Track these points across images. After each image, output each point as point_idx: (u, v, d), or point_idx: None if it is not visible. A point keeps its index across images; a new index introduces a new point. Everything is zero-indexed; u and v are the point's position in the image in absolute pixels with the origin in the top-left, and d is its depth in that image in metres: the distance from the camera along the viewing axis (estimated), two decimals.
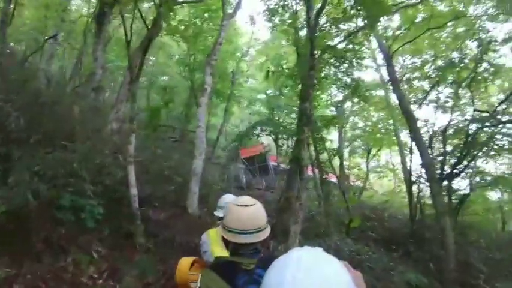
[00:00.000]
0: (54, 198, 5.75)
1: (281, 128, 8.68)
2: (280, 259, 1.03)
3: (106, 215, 6.41)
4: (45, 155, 6.05)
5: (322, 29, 8.52)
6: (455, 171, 10.95)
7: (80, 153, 6.59)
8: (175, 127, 18.64)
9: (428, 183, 10.35)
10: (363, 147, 19.24)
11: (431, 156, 10.71)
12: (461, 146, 11.05)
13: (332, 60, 8.82)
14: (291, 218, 6.98)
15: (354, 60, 8.85)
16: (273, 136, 17.75)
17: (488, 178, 12.14)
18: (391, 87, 11.23)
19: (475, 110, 11.01)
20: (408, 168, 13.80)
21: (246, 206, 1.79)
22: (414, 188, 13.19)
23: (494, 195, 15.75)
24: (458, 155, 10.97)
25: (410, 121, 10.57)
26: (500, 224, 14.46)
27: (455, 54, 12.68)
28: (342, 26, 8.65)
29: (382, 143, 18.47)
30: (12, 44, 14.97)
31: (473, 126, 10.93)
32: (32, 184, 5.24)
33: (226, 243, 1.80)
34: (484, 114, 10.82)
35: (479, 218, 13.40)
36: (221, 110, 20.56)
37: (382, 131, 17.80)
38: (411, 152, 13.62)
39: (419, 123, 12.74)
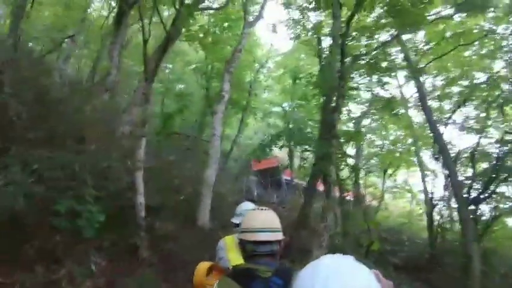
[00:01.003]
0: (51, 202, 5.14)
1: (307, 140, 8.00)
2: (312, 265, 1.00)
3: (108, 224, 5.77)
4: (46, 154, 5.46)
5: (352, 37, 7.90)
6: (482, 195, 10.10)
7: (86, 155, 6.01)
8: (188, 135, 18.07)
9: (456, 207, 9.49)
10: (379, 166, 18.33)
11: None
12: (489, 169, 10.20)
13: (363, 70, 8.15)
14: (315, 240, 6.23)
15: (386, 71, 8.14)
16: (287, 150, 17.07)
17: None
18: (420, 105, 10.48)
19: (506, 132, 10.17)
20: (430, 190, 12.97)
21: (262, 209, 1.92)
22: (435, 211, 12.37)
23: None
24: (486, 178, 10.13)
25: (439, 140, 9.79)
26: None
27: (479, 74, 11.98)
28: (372, 35, 8.00)
29: (400, 163, 17.56)
30: (30, 43, 14.74)
31: (503, 149, 10.14)
32: (25, 185, 4.62)
33: (243, 248, 1.81)
34: None
35: (498, 244, 12.40)
36: (236, 120, 19.95)
37: (400, 150, 16.94)
38: (435, 174, 12.81)
39: None
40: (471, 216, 9.45)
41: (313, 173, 9.77)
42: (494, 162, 9.89)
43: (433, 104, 12.93)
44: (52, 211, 5.09)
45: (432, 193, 12.58)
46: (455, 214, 13.74)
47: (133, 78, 18.02)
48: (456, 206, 12.25)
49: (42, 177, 5.12)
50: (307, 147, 8.99)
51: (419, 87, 10.57)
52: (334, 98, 6.69)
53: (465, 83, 12.10)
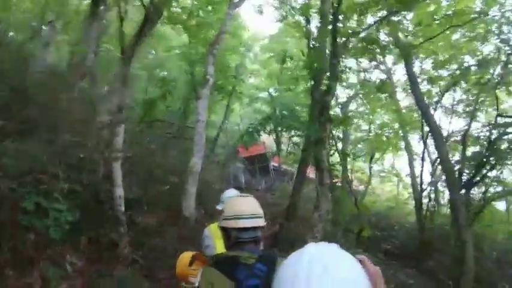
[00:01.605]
0: (22, 199, 4.57)
1: (299, 124, 7.49)
2: (295, 253, 0.98)
3: (84, 220, 5.24)
4: (14, 145, 4.87)
5: (343, 15, 7.36)
6: (473, 180, 9.83)
7: (59, 145, 5.42)
8: (172, 122, 17.38)
9: (443, 192, 9.23)
10: (366, 150, 18.05)
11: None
12: (481, 153, 9.92)
13: (353, 51, 7.65)
14: (308, 230, 5.82)
15: (381, 50, 7.65)
16: (274, 136, 16.60)
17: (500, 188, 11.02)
18: (410, 87, 10.07)
19: (498, 115, 9.88)
20: (417, 174, 12.74)
21: (244, 196, 1.93)
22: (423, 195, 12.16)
23: (501, 205, 14.63)
24: (477, 162, 9.86)
25: (430, 123, 9.43)
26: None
27: (467, 58, 11.63)
28: (363, 13, 7.46)
29: (387, 147, 17.32)
30: (12, 33, 13.94)
31: (493, 132, 9.87)
32: None
33: (227, 235, 1.78)
34: (509, 120, 9.71)
35: (487, 229, 12.28)
36: (221, 106, 19.29)
37: (387, 134, 16.67)
38: (423, 158, 12.53)
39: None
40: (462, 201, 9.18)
41: (302, 159, 9.34)
42: (486, 145, 9.59)
43: (421, 87, 12.60)
44: (21, 208, 4.53)
45: (421, 177, 12.32)
46: (443, 198, 13.72)
47: (115, 65, 17.14)
48: (446, 190, 12.19)
49: (8, 170, 4.54)
50: (297, 132, 8.51)
51: (409, 69, 10.14)
52: (326, 80, 6.22)
53: (454, 66, 11.78)
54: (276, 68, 17.98)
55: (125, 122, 5.86)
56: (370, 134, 17.32)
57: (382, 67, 15.58)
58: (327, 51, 8.03)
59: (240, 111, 23.03)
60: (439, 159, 10.27)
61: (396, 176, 18.55)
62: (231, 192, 3.43)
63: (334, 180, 9.28)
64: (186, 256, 2.04)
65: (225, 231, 1.80)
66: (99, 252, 5.32)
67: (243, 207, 1.79)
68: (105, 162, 5.70)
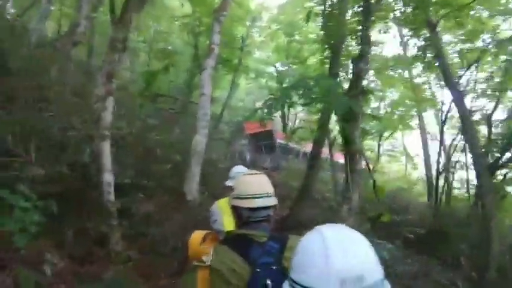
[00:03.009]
0: None
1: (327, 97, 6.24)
2: (311, 232, 0.97)
3: (69, 211, 4.27)
4: None
5: None
6: (499, 162, 8.78)
7: (35, 119, 4.39)
8: (176, 98, 16.23)
9: (476, 176, 8.20)
10: (375, 128, 16.93)
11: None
12: (508, 134, 8.83)
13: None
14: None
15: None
16: (280, 112, 15.47)
17: None
18: (436, 62, 8.87)
19: None
20: (436, 155, 11.71)
21: (255, 173, 1.81)
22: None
23: None
24: (504, 144, 8.78)
25: (458, 102, 8.28)
26: None
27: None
28: None
29: (397, 126, 16.19)
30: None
31: None
32: None
33: (238, 214, 1.70)
34: None
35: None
36: (226, 81, 18.02)
37: (398, 113, 15.50)
38: (442, 139, 11.47)
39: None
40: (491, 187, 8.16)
41: (318, 138, 8.25)
42: None
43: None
44: None
45: (438, 158, 11.31)
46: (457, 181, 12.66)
47: (108, 29, 15.79)
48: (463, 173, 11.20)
49: None
50: (310, 107, 7.36)
51: (435, 40, 8.88)
52: (357, 45, 5.08)
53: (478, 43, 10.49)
54: (283, 41, 16.62)
55: (114, 93, 4.78)
56: (381, 112, 16.20)
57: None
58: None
59: (246, 87, 21.77)
60: (464, 142, 9.21)
61: (406, 156, 17.50)
62: (240, 168, 3.38)
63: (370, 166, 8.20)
64: (198, 235, 1.79)
65: (236, 209, 1.71)
66: (87, 249, 4.38)
67: (255, 186, 1.68)
68: (92, 141, 4.66)
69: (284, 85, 14.62)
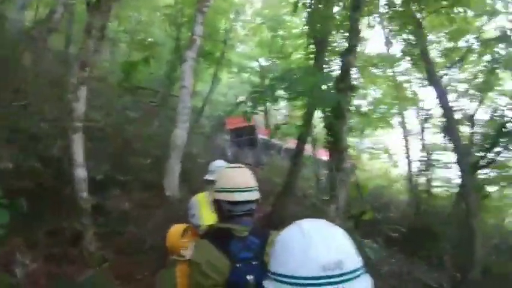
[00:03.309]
0: None
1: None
2: (290, 227, 0.97)
3: (41, 208, 3.94)
4: None
5: None
6: (481, 162, 8.82)
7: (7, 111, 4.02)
8: (157, 90, 15.74)
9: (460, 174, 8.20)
10: (360, 126, 16.92)
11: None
12: (490, 135, 8.88)
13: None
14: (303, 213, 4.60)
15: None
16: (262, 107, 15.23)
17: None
18: (422, 57, 8.81)
19: None
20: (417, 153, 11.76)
21: (237, 167, 1.76)
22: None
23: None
24: (487, 144, 8.82)
25: (442, 100, 8.24)
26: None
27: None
28: None
29: (378, 125, 16.22)
30: None
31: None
32: None
33: (220, 208, 1.66)
34: None
35: (494, 216, 11.40)
36: (208, 75, 17.59)
37: (379, 110, 15.51)
38: (422, 136, 11.52)
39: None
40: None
41: (301, 134, 8.06)
42: (497, 127, 8.54)
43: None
44: None
45: (419, 157, 11.36)
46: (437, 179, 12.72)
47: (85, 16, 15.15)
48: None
49: None
50: (293, 102, 7.13)
51: (420, 39, 8.82)
52: (347, 39, 4.87)
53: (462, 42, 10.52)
54: (267, 36, 16.35)
55: (89, 82, 4.43)
56: (362, 109, 16.19)
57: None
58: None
59: (227, 81, 21.38)
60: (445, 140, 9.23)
61: (386, 153, 17.56)
62: (220, 163, 3.30)
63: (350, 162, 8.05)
64: (178, 228, 1.78)
65: (218, 203, 1.65)
66: (58, 250, 4.05)
67: (237, 180, 1.63)
68: (64, 133, 4.31)
69: (269, 78, 14.43)
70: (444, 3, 8.42)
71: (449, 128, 8.16)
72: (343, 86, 4.47)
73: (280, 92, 4.85)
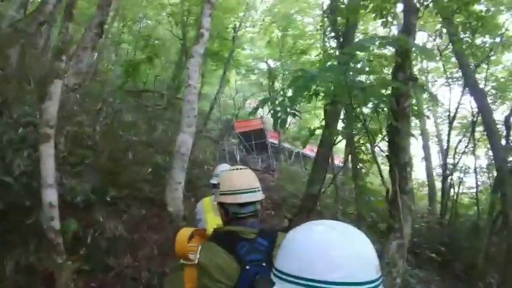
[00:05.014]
0: None
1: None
2: (302, 226, 0.82)
3: (10, 236, 2.92)
4: None
5: None
6: None
7: None
8: (162, 93, 14.74)
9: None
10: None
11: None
12: None
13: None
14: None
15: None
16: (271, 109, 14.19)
17: None
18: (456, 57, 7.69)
19: None
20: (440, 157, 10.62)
21: (239, 169, 1.66)
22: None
23: None
24: None
25: (480, 102, 7.12)
26: None
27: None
28: None
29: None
30: None
31: None
32: None
33: (225, 211, 1.56)
34: None
35: None
36: (216, 77, 16.57)
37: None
38: (448, 140, 10.37)
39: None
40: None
41: (324, 139, 6.90)
42: None
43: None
44: None
45: (445, 162, 10.18)
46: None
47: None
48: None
49: None
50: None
51: (451, 33, 7.69)
52: (403, 19, 3.76)
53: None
54: (277, 35, 15.30)
55: (63, 76, 3.39)
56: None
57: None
58: None
59: (235, 84, 20.33)
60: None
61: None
62: (225, 166, 3.16)
63: (359, 166, 6.91)
64: (185, 232, 1.49)
65: (223, 206, 1.56)
66: (32, 285, 3.02)
67: (241, 181, 1.54)
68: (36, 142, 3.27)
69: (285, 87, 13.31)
70: None
71: (490, 132, 7.02)
72: (401, 76, 3.31)
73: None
